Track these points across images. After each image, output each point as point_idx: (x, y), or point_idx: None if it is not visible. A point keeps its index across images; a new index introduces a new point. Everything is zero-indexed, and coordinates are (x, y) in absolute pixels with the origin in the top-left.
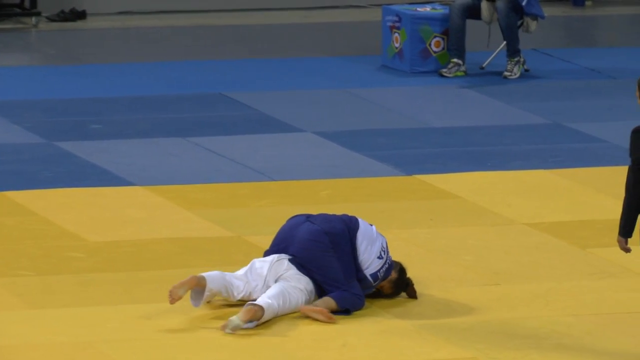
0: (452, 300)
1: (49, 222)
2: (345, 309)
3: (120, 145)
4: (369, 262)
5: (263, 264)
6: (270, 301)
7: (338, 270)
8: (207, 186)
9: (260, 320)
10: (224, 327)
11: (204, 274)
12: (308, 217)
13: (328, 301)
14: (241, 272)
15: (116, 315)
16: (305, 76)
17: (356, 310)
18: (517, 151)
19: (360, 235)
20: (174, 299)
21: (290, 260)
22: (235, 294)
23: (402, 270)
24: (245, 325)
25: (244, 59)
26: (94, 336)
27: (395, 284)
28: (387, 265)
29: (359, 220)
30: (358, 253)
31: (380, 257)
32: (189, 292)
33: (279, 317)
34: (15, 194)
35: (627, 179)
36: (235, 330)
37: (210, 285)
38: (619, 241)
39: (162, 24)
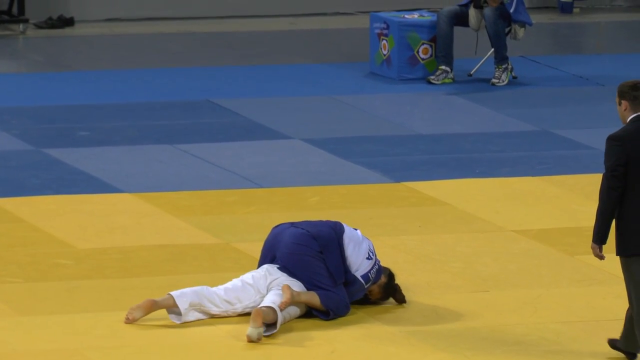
0: (441, 306)
1: (37, 228)
2: (325, 311)
3: (108, 152)
4: (358, 263)
5: (247, 278)
6: (275, 299)
7: (325, 275)
8: (195, 193)
9: (278, 322)
10: (249, 340)
11: (171, 293)
12: (292, 224)
13: (312, 296)
14: (224, 291)
15: (104, 322)
16: (293, 83)
17: (339, 315)
18: (505, 158)
19: (346, 238)
20: (129, 319)
21: (279, 268)
22: (217, 300)
23: (391, 276)
24: (267, 333)
25: (232, 66)
26: (81, 343)
27: (384, 289)
28: (377, 267)
29: (343, 224)
30: (346, 255)
31: (369, 258)
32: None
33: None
34: (3, 201)
35: (601, 186)
36: (259, 338)
37: (180, 302)
38: (592, 248)
39: (149, 30)
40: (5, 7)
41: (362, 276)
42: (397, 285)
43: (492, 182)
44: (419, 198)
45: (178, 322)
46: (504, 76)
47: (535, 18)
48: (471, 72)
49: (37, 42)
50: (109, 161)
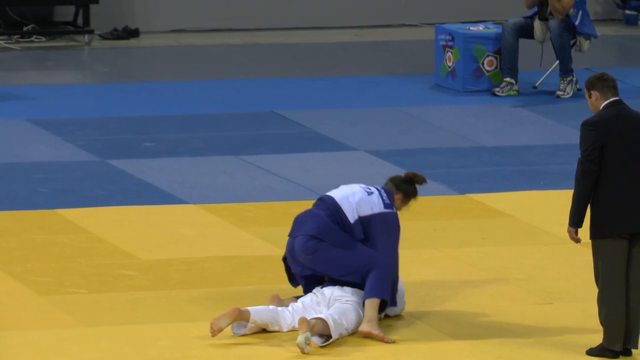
0: (504, 319)
1: (101, 239)
2: (386, 298)
3: (172, 163)
4: (370, 203)
5: (308, 301)
6: (331, 312)
7: (351, 257)
8: (260, 204)
9: (331, 335)
10: (302, 350)
11: (248, 308)
12: (290, 234)
13: (372, 304)
14: (292, 318)
15: (168, 334)
16: (357, 94)
17: (391, 280)
18: (570, 170)
19: (341, 203)
20: (214, 330)
21: (331, 284)
22: (282, 323)
23: (399, 179)
24: (324, 343)
25: (297, 77)
26: (144, 354)
27: (404, 194)
28: (384, 192)
29: (331, 195)
30: (356, 209)
31: (370, 193)
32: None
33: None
34: (68, 212)
35: (577, 171)
36: (308, 342)
37: (255, 318)
38: (569, 232)
39: (215, 42)
40: (70, 18)
41: (386, 207)
42: (410, 176)
43: (556, 194)
44: (483, 210)
45: (238, 335)
46: (568, 88)
47: (600, 30)
48: (536, 84)
49: (103, 53)
50: (173, 172)
